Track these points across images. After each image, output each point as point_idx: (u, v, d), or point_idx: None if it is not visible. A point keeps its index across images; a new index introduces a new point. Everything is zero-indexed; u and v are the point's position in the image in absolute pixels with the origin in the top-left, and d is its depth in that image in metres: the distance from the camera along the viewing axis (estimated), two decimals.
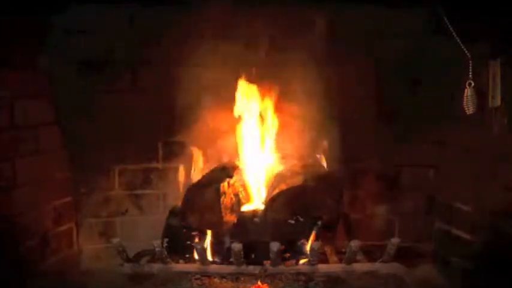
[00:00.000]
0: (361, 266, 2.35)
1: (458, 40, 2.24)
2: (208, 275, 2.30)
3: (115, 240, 2.38)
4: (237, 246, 2.27)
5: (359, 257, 2.40)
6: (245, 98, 2.72)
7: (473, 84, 2.23)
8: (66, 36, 2.63)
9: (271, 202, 2.50)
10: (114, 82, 2.78)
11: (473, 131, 2.42)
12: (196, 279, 2.29)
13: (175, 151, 2.83)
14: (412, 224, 2.82)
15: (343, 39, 2.63)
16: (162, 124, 2.76)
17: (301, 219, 2.44)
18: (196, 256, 2.36)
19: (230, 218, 2.47)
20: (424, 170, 2.81)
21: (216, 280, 2.28)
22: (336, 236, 2.63)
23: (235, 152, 2.71)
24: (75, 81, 2.69)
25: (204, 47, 2.61)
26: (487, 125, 2.32)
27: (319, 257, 2.34)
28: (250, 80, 2.71)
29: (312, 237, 2.42)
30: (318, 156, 2.72)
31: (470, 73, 2.24)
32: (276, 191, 2.54)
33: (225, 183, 2.49)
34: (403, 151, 2.79)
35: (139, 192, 2.90)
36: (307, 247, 2.38)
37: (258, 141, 2.72)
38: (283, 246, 2.30)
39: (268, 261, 2.30)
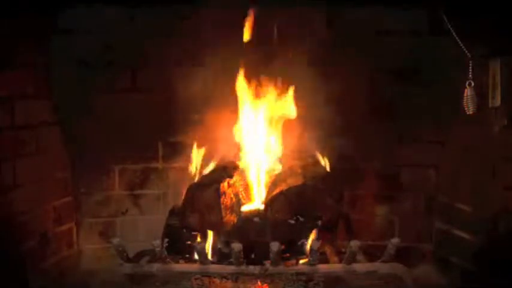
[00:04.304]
0: (361, 266, 2.35)
1: (458, 40, 2.24)
2: (208, 275, 2.30)
3: (115, 240, 2.38)
4: (237, 246, 2.26)
5: (359, 257, 2.40)
6: (245, 98, 2.72)
7: (473, 84, 2.23)
8: (66, 36, 2.63)
9: (271, 202, 2.50)
10: (114, 82, 2.78)
11: (473, 131, 2.42)
12: (196, 279, 2.29)
13: (175, 151, 2.83)
14: (412, 224, 2.82)
15: (344, 39, 2.63)
16: (162, 124, 2.76)
17: (301, 219, 2.44)
18: (196, 256, 2.36)
19: (230, 218, 2.47)
20: (424, 170, 2.81)
21: (216, 280, 2.28)
22: (336, 236, 2.63)
23: (236, 152, 2.71)
24: (75, 81, 2.70)
25: (204, 46, 2.61)
26: (487, 125, 2.31)
27: (319, 257, 2.34)
28: (250, 80, 2.71)
29: (312, 237, 2.42)
30: (318, 156, 2.72)
31: (470, 73, 2.24)
32: (276, 191, 2.54)
33: (225, 183, 2.49)
34: (403, 151, 2.79)
35: (139, 192, 2.91)
36: (307, 247, 2.39)
37: (258, 141, 2.72)
38: (283, 246, 2.30)
39: (268, 261, 2.30)
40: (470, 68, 2.24)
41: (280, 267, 2.31)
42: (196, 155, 2.74)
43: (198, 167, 2.73)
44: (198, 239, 2.46)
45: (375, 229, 2.84)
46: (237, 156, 2.70)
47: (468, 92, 2.24)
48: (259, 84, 2.72)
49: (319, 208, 2.48)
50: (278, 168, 2.68)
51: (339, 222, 2.61)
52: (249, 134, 2.72)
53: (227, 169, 2.59)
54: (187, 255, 2.47)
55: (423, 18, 2.56)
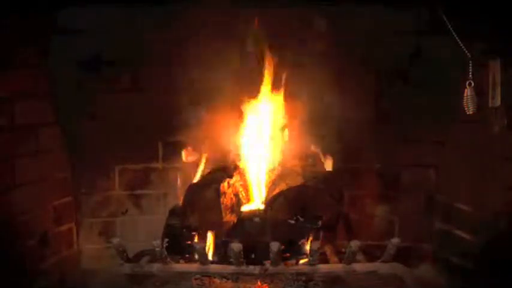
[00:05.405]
0: (361, 266, 2.35)
1: (458, 40, 2.24)
2: (208, 275, 2.30)
3: (115, 240, 2.38)
4: (237, 246, 2.26)
5: (359, 257, 2.40)
6: (245, 98, 2.72)
7: (473, 84, 2.23)
8: (66, 36, 2.63)
9: (271, 202, 2.50)
10: (114, 82, 2.78)
11: (473, 131, 2.42)
12: (196, 279, 2.29)
13: (175, 151, 2.83)
14: (412, 224, 2.82)
15: (343, 39, 2.63)
16: (162, 124, 2.76)
17: (301, 219, 2.44)
18: (196, 256, 2.36)
19: (230, 218, 2.47)
20: (424, 170, 2.81)
21: (216, 280, 2.28)
22: (336, 236, 2.63)
23: (236, 152, 2.71)
24: (75, 81, 2.69)
25: (204, 46, 2.61)
26: (487, 125, 2.31)
27: (319, 257, 2.34)
28: (250, 80, 2.71)
29: (311, 237, 2.42)
30: (318, 156, 2.72)
31: (470, 73, 2.24)
32: (276, 191, 2.54)
33: (225, 183, 2.49)
34: (403, 151, 2.79)
35: (139, 192, 2.91)
36: (307, 247, 2.39)
37: (258, 141, 2.72)
38: (283, 246, 2.29)
39: (268, 261, 2.30)
40: (470, 68, 2.24)
41: (280, 267, 2.31)
42: (197, 155, 2.74)
43: (198, 167, 2.73)
44: (198, 239, 2.46)
45: (374, 229, 2.84)
46: (237, 156, 2.70)
47: (468, 92, 2.23)
48: (259, 84, 2.72)
49: (319, 208, 2.48)
50: (278, 168, 2.68)
51: (339, 222, 2.61)
52: (249, 133, 2.72)
53: (227, 169, 2.59)
54: (187, 255, 2.47)
55: (423, 18, 2.56)
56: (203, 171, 2.70)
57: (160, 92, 2.74)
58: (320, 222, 2.44)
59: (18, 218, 2.40)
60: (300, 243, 2.42)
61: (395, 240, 2.32)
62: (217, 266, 2.36)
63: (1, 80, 2.32)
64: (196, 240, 2.45)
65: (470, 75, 2.24)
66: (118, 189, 2.89)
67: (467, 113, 2.25)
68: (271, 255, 2.27)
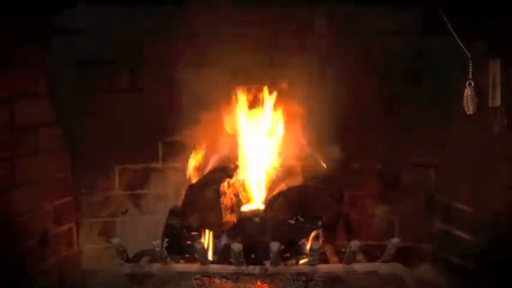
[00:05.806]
0: (361, 266, 2.35)
1: (458, 40, 2.24)
2: (208, 275, 2.30)
3: (115, 240, 2.38)
4: (237, 246, 2.27)
5: (359, 257, 2.40)
6: (245, 98, 2.72)
7: (473, 84, 2.23)
8: (66, 36, 2.63)
9: (271, 202, 2.50)
10: (114, 82, 2.78)
11: (473, 131, 2.42)
12: (196, 279, 2.29)
13: (175, 151, 2.83)
14: (412, 224, 2.82)
15: (343, 39, 2.63)
16: (162, 124, 2.76)
17: (301, 219, 2.44)
18: (196, 256, 2.36)
19: (230, 218, 2.47)
20: (424, 170, 2.81)
21: (216, 280, 2.28)
22: (336, 236, 2.63)
23: (236, 152, 2.71)
24: (75, 81, 2.69)
25: (203, 47, 2.61)
26: (487, 125, 2.31)
27: (319, 257, 2.34)
28: (250, 80, 2.71)
29: (311, 237, 2.42)
30: (317, 156, 2.72)
31: (470, 73, 2.24)
32: (276, 191, 2.54)
33: (225, 183, 2.49)
34: (403, 151, 2.79)
35: (139, 192, 2.91)
36: (307, 247, 2.39)
37: (258, 141, 2.72)
38: (283, 246, 2.29)
39: (268, 261, 2.30)
40: (470, 68, 2.24)
41: (280, 267, 2.31)
42: (197, 155, 2.74)
43: (198, 167, 2.73)
44: (198, 239, 2.46)
45: (374, 229, 2.83)
46: (237, 156, 2.70)
47: (468, 92, 2.24)
48: (258, 84, 2.72)
49: (319, 208, 2.48)
50: (278, 168, 2.68)
51: (339, 222, 2.61)
52: (249, 133, 2.72)
53: (227, 169, 2.59)
54: (187, 255, 2.47)
55: (423, 18, 2.55)
56: (203, 171, 2.70)
57: (160, 92, 2.74)
58: (320, 222, 2.44)
59: (18, 218, 2.40)
60: (300, 243, 2.42)
61: (395, 240, 2.32)
62: (217, 266, 2.36)
63: (1, 80, 2.32)
64: (196, 240, 2.45)
65: (470, 75, 2.24)
66: (118, 189, 2.89)
67: (467, 113, 2.25)
68: (271, 255, 2.27)
